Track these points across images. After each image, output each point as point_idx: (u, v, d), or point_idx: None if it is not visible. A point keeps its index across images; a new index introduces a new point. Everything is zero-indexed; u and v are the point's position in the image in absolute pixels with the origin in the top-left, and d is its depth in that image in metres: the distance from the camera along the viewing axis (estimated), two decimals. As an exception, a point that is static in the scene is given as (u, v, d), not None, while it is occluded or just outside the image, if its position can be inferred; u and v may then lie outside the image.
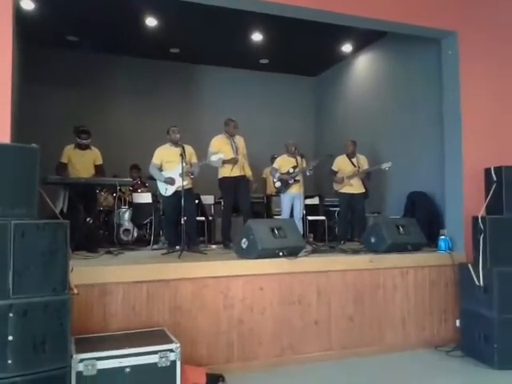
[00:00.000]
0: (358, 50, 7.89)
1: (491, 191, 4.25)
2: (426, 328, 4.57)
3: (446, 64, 5.20)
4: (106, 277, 3.61)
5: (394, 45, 6.96)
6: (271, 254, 4.09)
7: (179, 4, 4.60)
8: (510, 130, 5.01)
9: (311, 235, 6.94)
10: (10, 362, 2.58)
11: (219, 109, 7.78)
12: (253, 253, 4.08)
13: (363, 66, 7.96)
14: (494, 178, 4.24)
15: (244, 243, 4.18)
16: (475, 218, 4.21)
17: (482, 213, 4.22)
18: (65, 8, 6.18)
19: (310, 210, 6.68)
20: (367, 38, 7.10)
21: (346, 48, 7.74)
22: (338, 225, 6.42)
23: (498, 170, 4.22)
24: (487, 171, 4.33)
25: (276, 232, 4.21)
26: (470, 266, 4.21)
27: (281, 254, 4.12)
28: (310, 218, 6.48)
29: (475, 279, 4.11)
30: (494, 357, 3.92)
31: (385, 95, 7.33)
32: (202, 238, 6.26)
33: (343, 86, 8.51)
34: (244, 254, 4.18)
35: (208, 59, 8.35)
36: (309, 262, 4.26)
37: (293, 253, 4.22)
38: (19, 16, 6.24)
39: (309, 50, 7.72)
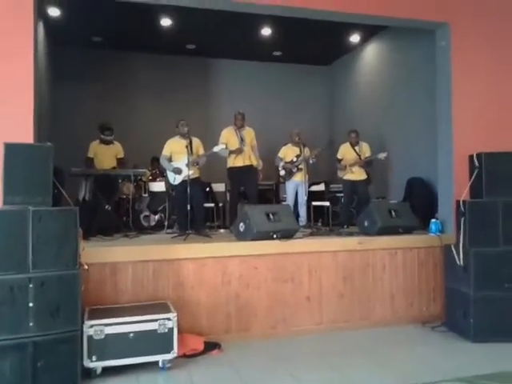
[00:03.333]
0: (365, 40, 8.10)
1: (473, 176, 4.51)
2: (414, 305, 4.90)
3: (439, 54, 5.43)
4: (117, 256, 4.14)
5: (397, 34, 7.15)
6: (266, 236, 4.51)
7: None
8: (498, 118, 5.22)
9: (320, 220, 7.33)
10: (31, 324, 3.15)
11: (235, 101, 8.17)
12: (249, 235, 4.51)
13: (371, 55, 8.18)
14: (476, 164, 4.49)
15: (241, 227, 4.62)
16: (458, 202, 4.49)
17: (464, 197, 4.49)
18: (88, 13, 6.71)
19: (316, 195, 7.06)
20: (373, 28, 7.30)
21: (354, 38, 7.95)
22: (341, 210, 6.76)
23: (479, 156, 4.46)
24: (471, 158, 4.58)
25: (271, 216, 4.62)
26: (452, 246, 4.51)
27: (275, 236, 4.54)
28: (314, 203, 6.85)
29: (456, 259, 4.41)
30: (471, 331, 4.24)
31: (390, 83, 7.56)
32: (217, 223, 6.78)
33: (354, 74, 8.75)
34: (241, 237, 4.63)
35: (223, 53, 8.74)
36: (301, 244, 4.67)
37: (287, 235, 4.62)
38: (48, 22, 6.87)
39: (320, 41, 7.96)
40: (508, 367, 3.66)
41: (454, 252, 4.44)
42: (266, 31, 7.55)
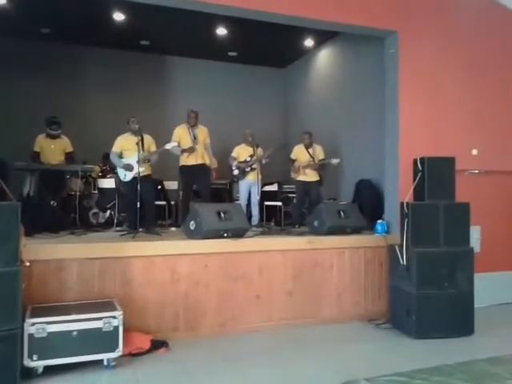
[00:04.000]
0: (319, 44, 8.26)
1: (417, 179, 4.69)
2: (361, 303, 5.04)
3: (388, 62, 5.61)
4: (62, 253, 4.03)
5: (350, 41, 7.32)
6: (216, 234, 4.52)
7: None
8: (441, 124, 5.47)
9: (273, 220, 7.42)
10: (-33, 322, 3.01)
11: (189, 99, 8.09)
12: (199, 234, 4.50)
13: (324, 59, 8.34)
14: (419, 168, 4.67)
15: (192, 225, 4.61)
16: (402, 204, 4.66)
17: (408, 199, 4.66)
18: (37, 2, 6.46)
19: (268, 195, 7.14)
20: (326, 33, 7.43)
21: (308, 42, 8.10)
22: (293, 210, 6.85)
23: (422, 160, 4.65)
24: (414, 162, 4.76)
25: (222, 215, 4.63)
26: (396, 246, 4.67)
27: (225, 235, 4.55)
28: (267, 203, 6.93)
29: (400, 259, 4.57)
30: (413, 328, 4.40)
31: (342, 88, 7.73)
32: (168, 222, 6.73)
33: (308, 78, 8.90)
34: (192, 235, 4.61)
35: (178, 51, 8.66)
36: (251, 243, 4.70)
37: (237, 234, 4.64)
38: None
39: (275, 43, 8.04)
40: (446, 361, 3.81)
41: (398, 252, 4.60)
42: (222, 31, 7.55)
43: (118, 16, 7.01)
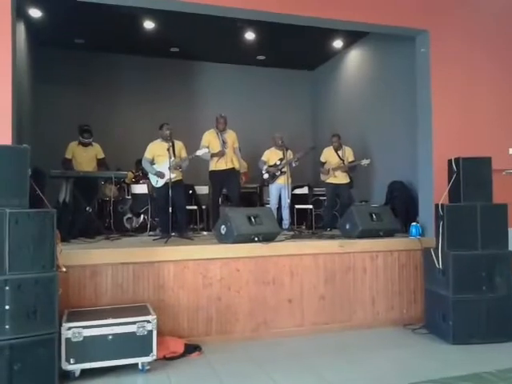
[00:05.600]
0: (348, 45, 8.17)
1: (452, 181, 4.57)
2: (395, 307, 4.94)
3: (419, 61, 5.51)
4: (97, 259, 4.11)
5: (379, 41, 7.21)
6: (247, 239, 4.52)
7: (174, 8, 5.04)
8: (475, 123, 5.33)
9: (303, 223, 7.37)
10: (7, 326, 3.10)
11: (218, 104, 8.15)
12: (230, 238, 4.52)
13: (353, 60, 8.24)
14: (455, 169, 4.54)
15: (223, 229, 4.63)
16: (437, 206, 4.54)
17: (443, 201, 4.55)
18: (70, 14, 6.63)
19: (299, 199, 7.10)
20: (355, 34, 7.36)
21: (337, 44, 8.03)
22: (324, 213, 6.79)
23: (457, 161, 4.52)
24: (449, 162, 4.64)
25: (252, 219, 4.63)
26: (431, 250, 4.56)
27: (256, 239, 4.54)
28: (297, 206, 6.90)
29: (435, 262, 4.46)
30: (450, 333, 4.28)
31: (371, 89, 7.62)
32: (200, 226, 6.79)
33: (337, 79, 8.82)
34: (223, 239, 4.63)
35: (207, 56, 8.74)
36: (283, 247, 4.68)
37: (268, 238, 4.63)
38: (29, 23, 6.82)
39: (304, 46, 8.02)
40: (485, 368, 3.68)
41: (433, 255, 4.48)
42: (250, 35, 7.58)
43: (148, 24, 7.13)
